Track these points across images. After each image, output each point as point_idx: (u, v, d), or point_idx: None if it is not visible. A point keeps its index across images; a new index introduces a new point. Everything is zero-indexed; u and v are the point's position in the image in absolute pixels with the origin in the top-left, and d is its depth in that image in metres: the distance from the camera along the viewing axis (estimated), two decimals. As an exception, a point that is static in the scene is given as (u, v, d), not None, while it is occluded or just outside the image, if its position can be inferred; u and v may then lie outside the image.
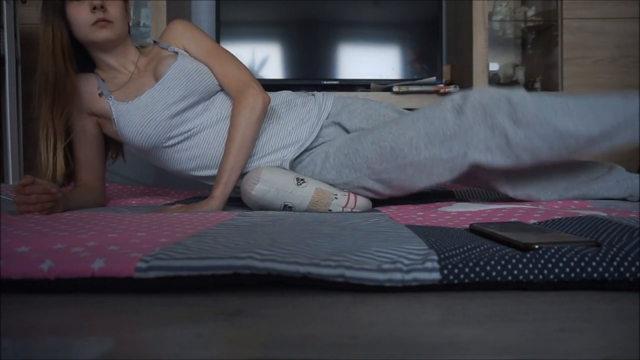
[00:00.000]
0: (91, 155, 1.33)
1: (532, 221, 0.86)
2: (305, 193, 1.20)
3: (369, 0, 2.53)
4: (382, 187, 1.22)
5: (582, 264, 0.54)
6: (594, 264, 0.54)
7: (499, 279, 0.54)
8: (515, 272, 0.54)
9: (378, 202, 1.30)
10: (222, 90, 1.33)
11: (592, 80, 2.34)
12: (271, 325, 0.44)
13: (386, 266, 0.54)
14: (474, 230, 0.77)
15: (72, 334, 0.42)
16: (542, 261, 0.54)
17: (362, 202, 1.25)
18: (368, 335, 0.41)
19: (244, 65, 1.33)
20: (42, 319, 0.46)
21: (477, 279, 0.54)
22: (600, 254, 0.55)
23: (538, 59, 2.61)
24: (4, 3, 1.97)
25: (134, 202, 1.43)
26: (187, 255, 0.55)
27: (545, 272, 0.54)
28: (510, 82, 2.62)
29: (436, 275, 0.53)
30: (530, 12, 2.57)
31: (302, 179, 1.22)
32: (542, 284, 0.54)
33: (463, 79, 2.44)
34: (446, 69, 2.61)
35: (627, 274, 0.53)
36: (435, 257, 0.55)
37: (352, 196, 1.24)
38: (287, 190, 1.19)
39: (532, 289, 0.54)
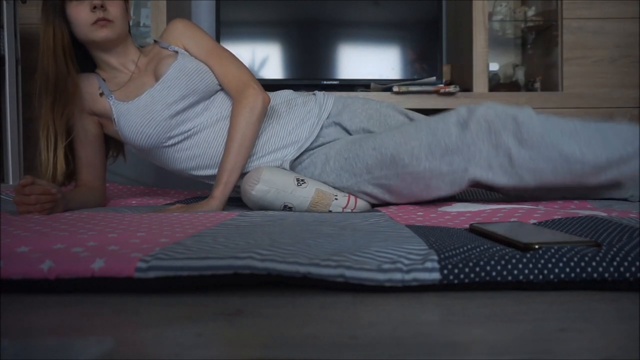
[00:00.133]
0: (92, 155, 1.33)
1: (532, 221, 0.86)
2: (306, 194, 1.20)
3: (369, 0, 2.53)
4: (381, 192, 1.21)
5: (582, 264, 0.54)
6: (594, 264, 0.54)
7: (499, 279, 0.54)
8: (515, 272, 0.54)
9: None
10: (222, 89, 1.33)
11: (592, 80, 2.34)
12: (271, 325, 0.44)
13: (386, 266, 0.54)
14: (474, 230, 0.77)
15: (72, 334, 0.42)
16: (542, 261, 0.54)
17: (362, 203, 1.25)
18: (368, 335, 0.41)
19: (244, 65, 1.33)
20: (42, 319, 0.46)
21: (477, 279, 0.54)
22: (600, 254, 0.55)
23: (538, 59, 2.61)
24: (4, 3, 1.97)
25: (134, 202, 1.43)
26: (187, 255, 0.55)
27: (545, 272, 0.54)
28: (510, 82, 2.62)
29: (436, 275, 0.53)
30: (530, 12, 2.57)
31: (302, 180, 1.22)
32: (542, 284, 0.54)
33: (463, 79, 2.44)
34: (446, 69, 2.61)
35: (627, 274, 0.53)
36: (435, 257, 0.55)
37: (352, 197, 1.24)
38: (287, 191, 1.19)
39: (532, 289, 0.54)
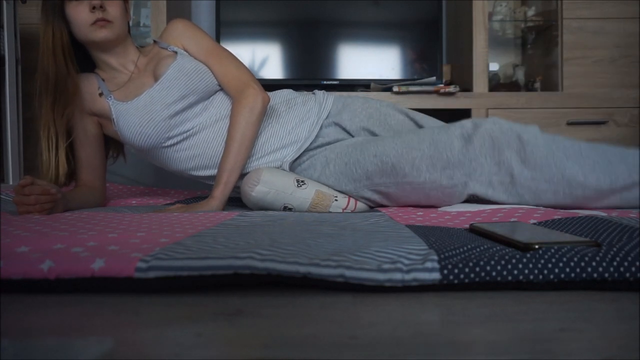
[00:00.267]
0: (92, 155, 1.33)
1: (532, 221, 0.86)
2: (306, 195, 1.20)
3: (369, 0, 2.53)
4: (380, 198, 1.21)
5: (582, 264, 0.54)
6: (594, 264, 0.54)
7: (499, 279, 0.54)
8: (515, 272, 0.54)
9: (378, 202, 1.30)
10: (221, 89, 1.33)
11: (592, 80, 2.34)
12: (271, 325, 0.44)
13: (386, 266, 0.54)
14: (474, 230, 0.77)
15: (72, 334, 0.42)
16: (542, 261, 0.54)
17: (362, 205, 1.25)
18: (368, 335, 0.41)
19: (243, 65, 1.33)
20: (42, 319, 0.46)
21: (477, 279, 0.54)
22: (600, 254, 0.55)
23: (538, 59, 2.61)
24: (4, 3, 1.97)
25: (134, 202, 1.43)
26: (187, 255, 0.55)
27: (545, 272, 0.54)
28: (510, 82, 2.62)
29: (436, 275, 0.53)
30: (530, 12, 2.57)
31: (302, 181, 1.22)
32: (542, 284, 0.54)
33: (463, 79, 2.44)
34: (446, 69, 2.61)
35: (627, 274, 0.53)
36: (435, 257, 0.55)
37: (352, 199, 1.24)
38: (287, 192, 1.19)
39: (532, 289, 0.54)
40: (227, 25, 2.53)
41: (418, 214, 1.03)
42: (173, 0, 2.40)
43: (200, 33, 1.35)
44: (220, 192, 1.19)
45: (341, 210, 1.22)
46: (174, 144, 1.28)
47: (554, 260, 0.54)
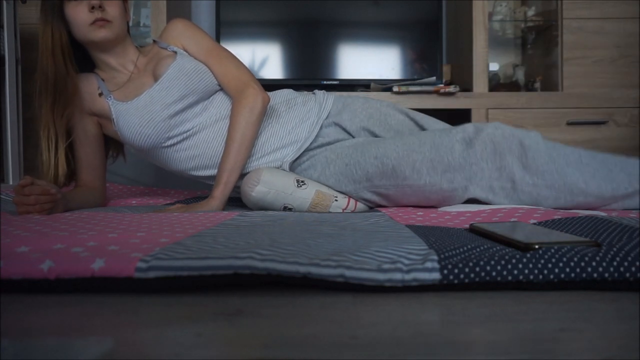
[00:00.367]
0: (92, 155, 1.33)
1: (532, 221, 0.86)
2: (306, 195, 1.20)
3: (369, 0, 2.53)
4: (380, 199, 1.22)
5: (582, 264, 0.54)
6: (594, 264, 0.54)
7: (499, 279, 0.54)
8: (515, 272, 0.54)
9: (378, 202, 1.30)
10: (221, 89, 1.32)
11: (592, 80, 2.34)
12: (271, 325, 0.44)
13: (386, 266, 0.54)
14: (474, 230, 0.77)
15: (72, 334, 0.42)
16: (542, 261, 0.54)
17: (362, 205, 1.25)
18: (368, 335, 0.41)
19: (243, 65, 1.33)
20: (42, 319, 0.46)
21: (477, 279, 0.54)
22: (600, 254, 0.55)
23: (538, 59, 2.61)
24: (4, 3, 1.97)
25: (134, 202, 1.43)
26: (187, 255, 0.55)
27: (545, 272, 0.54)
28: (510, 82, 2.62)
29: (436, 275, 0.53)
30: (530, 12, 2.57)
31: (302, 181, 1.22)
32: (542, 284, 0.54)
33: (463, 79, 2.44)
34: (446, 69, 2.61)
35: (627, 274, 0.53)
36: (435, 257, 0.55)
37: (352, 199, 1.24)
38: (287, 192, 1.19)
39: (532, 289, 0.54)
40: (227, 25, 2.53)
41: (418, 214, 1.03)
42: (173, 0, 2.40)
43: (200, 33, 1.34)
44: (220, 192, 1.19)
45: (341, 211, 1.22)
46: (174, 144, 1.28)
47: (554, 260, 0.54)
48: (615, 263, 0.54)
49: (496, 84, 2.59)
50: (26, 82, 2.05)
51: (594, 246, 0.60)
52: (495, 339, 0.40)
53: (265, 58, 2.54)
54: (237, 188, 1.27)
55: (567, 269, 0.54)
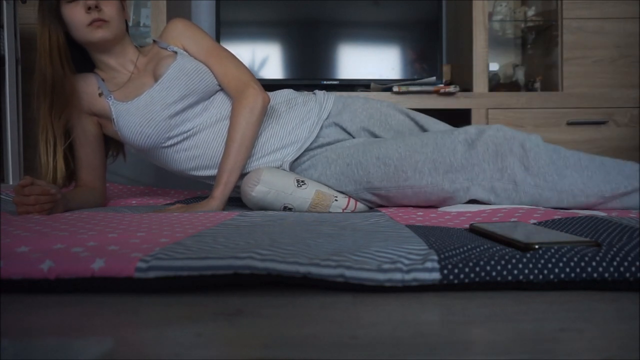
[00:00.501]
0: (92, 155, 1.33)
1: (532, 221, 0.86)
2: (306, 195, 1.20)
3: (369, 0, 2.53)
4: (380, 200, 1.22)
5: (582, 264, 0.54)
6: (594, 264, 0.54)
7: (499, 279, 0.54)
8: (515, 272, 0.54)
9: (378, 202, 1.30)
10: (221, 90, 1.32)
11: (592, 80, 2.34)
12: (271, 325, 0.44)
13: (386, 266, 0.54)
14: (474, 230, 0.77)
15: (72, 334, 0.42)
16: (542, 261, 0.54)
17: (362, 205, 1.25)
18: (368, 335, 0.41)
19: (243, 65, 1.33)
20: (42, 319, 0.46)
21: (477, 279, 0.54)
22: (600, 254, 0.55)
23: (538, 59, 2.61)
24: (4, 3, 1.97)
25: (134, 202, 1.43)
26: (187, 255, 0.55)
27: (545, 272, 0.54)
28: (510, 82, 2.62)
29: (436, 275, 0.53)
30: (530, 12, 2.57)
31: (302, 181, 1.22)
32: (542, 284, 0.54)
33: (463, 79, 2.44)
34: (446, 69, 2.61)
35: (627, 274, 0.53)
36: (435, 257, 0.55)
37: (352, 199, 1.24)
38: (287, 192, 1.19)
39: (532, 289, 0.54)
40: (227, 25, 2.53)
41: (418, 214, 1.03)
42: (173, 0, 2.40)
43: (200, 33, 1.34)
44: (221, 192, 1.19)
45: (341, 210, 1.22)
46: (174, 144, 1.28)
47: (554, 260, 0.54)
48: (615, 263, 0.54)
49: (496, 84, 2.60)
50: (26, 82, 2.05)
51: (594, 246, 0.60)
52: (495, 339, 0.40)
53: (265, 58, 2.54)
54: (237, 188, 1.27)
55: (567, 269, 0.54)
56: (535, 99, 2.28)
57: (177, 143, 1.28)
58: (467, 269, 0.54)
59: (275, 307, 0.49)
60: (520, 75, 2.59)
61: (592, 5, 2.34)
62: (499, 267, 0.54)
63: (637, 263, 0.53)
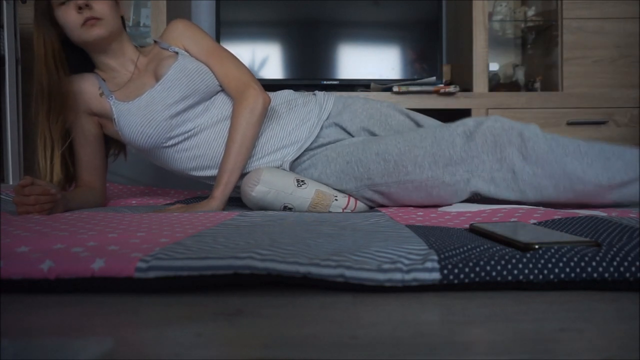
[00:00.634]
0: (92, 155, 1.33)
1: (532, 221, 0.86)
2: (306, 194, 1.20)
3: (369, 0, 2.53)
4: (381, 198, 1.22)
5: (582, 264, 0.54)
6: (594, 264, 0.54)
7: (499, 279, 0.54)
8: (515, 272, 0.54)
9: (378, 202, 1.30)
10: (222, 90, 1.32)
11: (592, 80, 2.34)
12: (271, 325, 0.44)
13: (386, 266, 0.54)
14: (474, 230, 0.77)
15: (72, 334, 0.42)
16: (542, 261, 0.54)
17: (362, 204, 1.25)
18: (368, 335, 0.41)
19: (244, 66, 1.33)
20: (42, 319, 0.46)
21: (477, 279, 0.54)
22: (600, 254, 0.55)
23: (538, 59, 2.61)
24: (4, 3, 1.97)
25: (134, 202, 1.43)
26: (187, 255, 0.55)
27: (545, 272, 0.54)
28: (510, 82, 2.62)
29: (436, 275, 0.53)
30: (530, 12, 2.57)
31: (302, 181, 1.22)
32: (542, 284, 0.54)
33: (463, 79, 2.44)
34: (446, 69, 2.61)
35: (627, 274, 0.53)
36: (435, 257, 0.55)
37: (352, 198, 1.24)
38: (287, 192, 1.19)
39: (532, 289, 0.54)
40: (227, 25, 2.53)
41: (418, 214, 1.03)
42: (173, 0, 2.40)
43: (200, 33, 1.34)
44: (221, 193, 1.19)
45: (341, 210, 1.22)
46: (175, 144, 1.28)
47: (554, 260, 0.54)
48: (615, 263, 0.54)
49: (496, 84, 2.60)
50: (26, 82, 2.05)
51: (594, 246, 0.60)
52: (495, 339, 0.40)
53: (265, 58, 2.54)
54: (237, 188, 1.27)
55: (567, 269, 0.54)
56: (535, 99, 2.28)
57: (178, 143, 1.28)
58: (467, 269, 0.54)
59: (275, 307, 0.49)
60: (520, 75, 2.59)
61: (592, 5, 2.34)
62: (499, 267, 0.54)
63: (637, 263, 0.53)
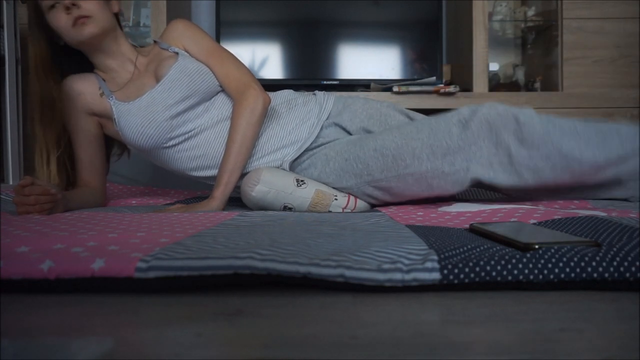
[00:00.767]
0: (92, 155, 1.33)
1: (532, 221, 0.85)
2: (305, 194, 1.20)
3: (369, 0, 2.53)
4: (382, 194, 1.21)
5: (582, 264, 0.54)
6: (594, 264, 0.54)
7: (499, 279, 0.54)
8: (515, 272, 0.54)
9: (378, 202, 1.30)
10: (222, 90, 1.32)
11: (592, 80, 2.34)
12: (271, 325, 0.44)
13: (386, 266, 0.54)
14: (474, 230, 0.77)
15: (72, 334, 0.42)
16: (542, 261, 0.54)
17: (362, 203, 1.25)
18: (368, 335, 0.41)
19: (244, 66, 1.33)
20: (42, 319, 0.46)
21: (477, 279, 0.54)
22: (600, 254, 0.55)
23: (538, 59, 2.61)
24: (4, 3, 1.98)
25: (134, 202, 1.43)
26: (187, 255, 0.55)
27: (545, 272, 0.54)
28: (510, 82, 2.62)
29: (436, 275, 0.53)
30: (530, 12, 2.57)
31: (302, 180, 1.22)
32: (542, 284, 0.54)
33: (463, 79, 2.44)
34: (446, 69, 2.61)
35: (627, 274, 0.53)
36: (435, 257, 0.55)
37: (352, 197, 1.24)
38: (287, 192, 1.19)
39: (532, 289, 0.54)
40: (227, 25, 2.53)
41: (418, 214, 1.03)
42: (173, 0, 2.40)
43: (200, 33, 1.34)
44: (221, 193, 1.19)
45: (341, 210, 1.22)
46: (175, 145, 1.28)
47: (554, 260, 0.54)
48: (615, 263, 0.54)
49: (496, 84, 2.60)
50: (26, 82, 2.05)
51: (594, 246, 0.60)
52: (495, 339, 0.40)
53: (265, 58, 2.54)
54: (237, 188, 1.27)
55: (567, 269, 0.54)
56: (535, 99, 2.28)
57: (178, 144, 1.28)
58: (467, 269, 0.54)
59: (275, 307, 0.49)
60: (520, 75, 2.59)
61: (592, 5, 2.34)
62: (499, 267, 0.54)
63: (637, 263, 0.53)
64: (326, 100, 1.35)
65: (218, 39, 2.50)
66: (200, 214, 1.00)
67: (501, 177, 1.12)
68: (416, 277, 0.53)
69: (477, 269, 0.54)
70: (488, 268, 0.54)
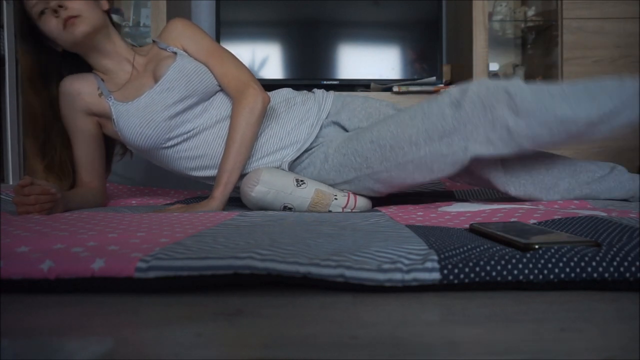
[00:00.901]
0: (91, 155, 1.33)
1: (532, 221, 0.85)
2: (305, 194, 1.20)
3: (369, 0, 2.53)
4: (383, 187, 1.21)
5: (582, 264, 0.54)
6: (594, 264, 0.54)
7: (499, 279, 0.54)
8: (515, 272, 0.54)
9: (378, 202, 1.30)
10: (221, 90, 1.32)
11: (592, 80, 2.34)
12: (271, 325, 0.44)
13: (386, 266, 0.54)
14: (474, 230, 0.77)
15: (72, 334, 0.42)
16: (542, 261, 0.54)
17: (362, 202, 1.25)
18: (368, 335, 0.41)
19: (243, 65, 1.33)
20: (42, 319, 0.46)
21: (477, 279, 0.54)
22: (600, 254, 0.55)
23: (538, 59, 2.61)
24: (4, 3, 1.98)
25: (134, 202, 1.43)
26: (187, 255, 0.55)
27: (545, 272, 0.54)
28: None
29: (436, 275, 0.53)
30: (530, 12, 2.58)
31: (301, 180, 1.22)
32: (542, 284, 0.54)
33: (463, 79, 2.44)
34: (446, 69, 2.61)
35: (627, 274, 0.53)
36: (435, 257, 0.55)
37: (351, 197, 1.24)
38: (286, 192, 1.19)
39: (532, 289, 0.54)
40: (227, 25, 2.53)
41: (418, 214, 1.03)
42: (173, 0, 2.40)
43: (199, 33, 1.34)
44: (221, 193, 1.19)
45: (341, 209, 1.22)
46: (174, 145, 1.28)
47: (554, 260, 0.54)
48: (615, 263, 0.54)
49: (496, 84, 2.59)
50: (26, 82, 2.05)
51: (594, 246, 0.60)
52: (495, 339, 0.40)
53: (265, 58, 2.54)
54: (237, 188, 1.27)
55: (567, 269, 0.54)
56: (535, 99, 2.28)
57: (177, 144, 1.28)
58: (467, 269, 0.54)
59: (275, 307, 0.49)
60: (520, 75, 2.59)
61: (592, 5, 2.34)
62: (499, 267, 0.54)
63: (637, 263, 0.53)
64: (325, 99, 1.35)
65: (218, 39, 2.50)
66: (200, 214, 1.00)
67: (501, 150, 1.12)
68: (416, 277, 0.53)
69: (477, 269, 0.54)
70: (488, 268, 0.54)
